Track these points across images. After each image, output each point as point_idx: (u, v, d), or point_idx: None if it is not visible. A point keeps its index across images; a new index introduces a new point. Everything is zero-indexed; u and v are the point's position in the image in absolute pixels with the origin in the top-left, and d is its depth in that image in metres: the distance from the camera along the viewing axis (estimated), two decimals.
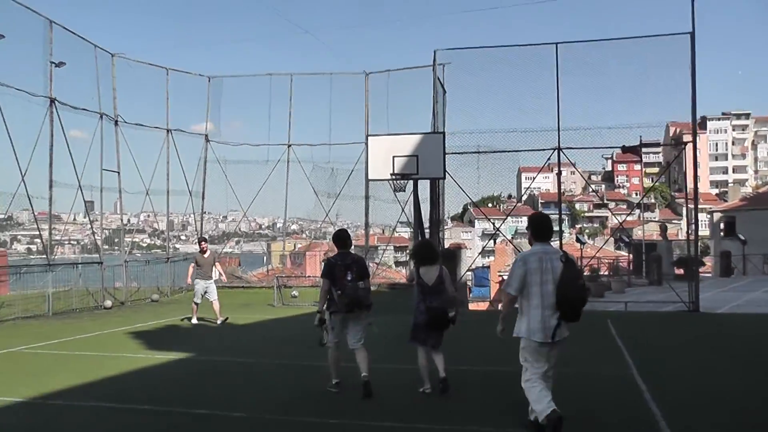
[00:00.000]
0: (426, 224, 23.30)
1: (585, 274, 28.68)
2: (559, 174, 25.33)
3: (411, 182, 21.98)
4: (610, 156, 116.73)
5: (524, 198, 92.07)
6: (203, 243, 19.92)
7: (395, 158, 20.90)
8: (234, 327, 18.42)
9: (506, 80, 24.04)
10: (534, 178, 32.51)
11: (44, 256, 22.64)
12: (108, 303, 23.98)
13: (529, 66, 23.73)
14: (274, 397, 9.74)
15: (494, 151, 24.17)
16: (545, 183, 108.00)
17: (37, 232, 23.01)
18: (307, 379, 10.91)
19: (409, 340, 9.74)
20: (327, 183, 30.05)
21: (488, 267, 52.55)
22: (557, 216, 25.20)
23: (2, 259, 26.22)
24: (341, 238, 10.04)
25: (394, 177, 21.26)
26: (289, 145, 30.05)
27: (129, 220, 30.71)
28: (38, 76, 22.55)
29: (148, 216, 32.06)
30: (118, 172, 26.49)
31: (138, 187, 28.02)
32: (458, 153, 23.64)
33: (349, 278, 9.47)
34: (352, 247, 10.54)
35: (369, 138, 22.36)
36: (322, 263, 10.82)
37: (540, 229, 7.36)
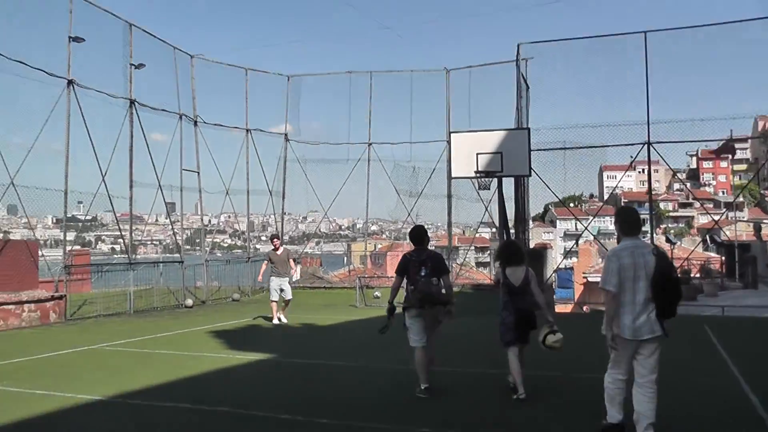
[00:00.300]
0: (510, 224, 22.64)
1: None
2: (649, 170, 24.37)
3: (495, 180, 21.42)
4: (695, 153, 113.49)
5: (606, 197, 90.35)
6: (275, 240, 19.58)
7: (479, 155, 20.45)
8: (316, 328, 18.10)
9: (592, 73, 23.54)
10: (621, 176, 31.44)
11: (126, 256, 22.72)
12: (189, 302, 24.00)
13: (616, 57, 23.00)
14: (359, 403, 9.29)
15: (581, 147, 23.48)
16: (627, 181, 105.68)
17: (122, 232, 23.08)
18: (394, 384, 10.45)
19: (500, 343, 9.46)
20: (408, 182, 29.53)
21: (572, 268, 51.53)
22: (646, 215, 24.24)
23: (85, 258, 26.44)
24: (417, 234, 9.87)
25: (478, 175, 20.72)
26: (370, 144, 29.57)
27: (210, 221, 30.77)
28: (118, 78, 22.77)
29: (229, 217, 32.09)
30: (198, 172, 26.54)
31: (218, 187, 28.05)
32: (543, 149, 22.95)
33: (422, 274, 9.31)
34: (431, 244, 10.27)
35: (452, 135, 21.84)
36: None
37: (629, 222, 7.09)
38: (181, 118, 25.37)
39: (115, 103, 22.31)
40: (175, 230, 26.16)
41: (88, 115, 20.68)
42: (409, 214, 29.37)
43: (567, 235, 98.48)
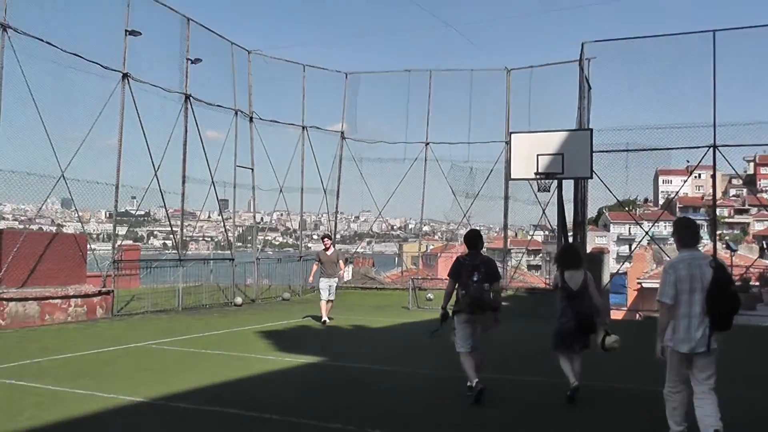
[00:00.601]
0: (568, 227, 21.95)
1: (736, 283, 26.55)
2: (714, 175, 23.42)
3: (554, 182, 20.75)
4: (752, 158, 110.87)
5: (662, 202, 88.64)
6: (326, 240, 19.22)
7: (539, 156, 19.81)
8: (367, 330, 17.60)
9: (656, 73, 22.62)
10: (684, 182, 30.31)
11: (184, 252, 22.52)
12: (238, 300, 23.65)
13: (680, 57, 22.14)
14: (413, 412, 8.80)
15: (643, 149, 22.57)
16: (683, 186, 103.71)
17: (175, 228, 22.85)
18: (448, 392, 9.92)
19: (552, 347, 9.44)
20: (465, 183, 28.92)
21: (625, 273, 50.39)
22: (703, 221, 23.30)
23: (135, 253, 26.30)
24: (472, 238, 9.74)
25: (538, 176, 20.08)
26: (427, 144, 28.99)
27: (262, 218, 30.44)
28: (174, 72, 22.55)
29: (281, 215, 31.74)
30: (252, 169, 26.20)
31: (271, 184, 27.71)
32: (605, 151, 22.10)
33: (475, 279, 9.19)
34: (484, 248, 10.28)
35: (512, 135, 21.16)
36: None
37: (687, 234, 6.98)
38: (236, 113, 25.03)
39: (170, 98, 22.08)
40: (227, 227, 25.88)
41: (142, 110, 20.48)
42: (465, 215, 28.74)
43: (620, 240, 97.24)
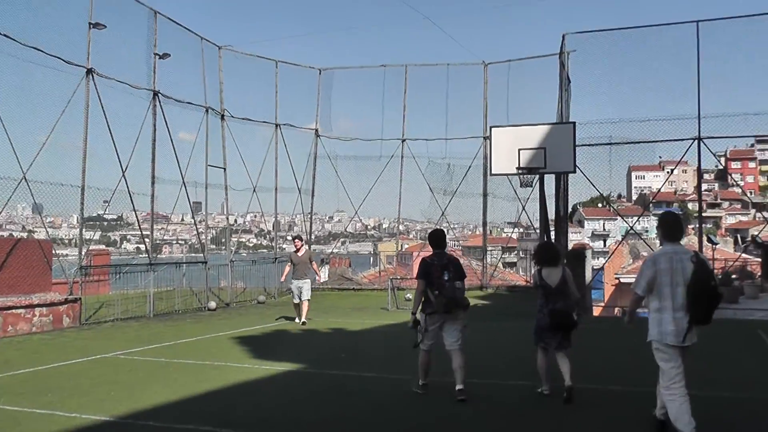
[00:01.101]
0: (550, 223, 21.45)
1: (717, 277, 26.15)
2: (699, 167, 22.95)
3: (536, 177, 20.25)
4: (723, 153, 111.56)
5: (635, 197, 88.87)
6: (297, 241, 18.93)
7: (521, 151, 19.43)
8: (347, 334, 16.85)
9: (638, 65, 22.11)
10: (669, 173, 29.96)
11: (155, 255, 21.72)
12: (212, 304, 22.86)
13: (665, 48, 21.65)
14: (399, 423, 8.22)
15: (628, 143, 22.12)
16: (655, 182, 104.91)
17: (147, 232, 22.03)
18: (437, 399, 9.25)
19: (534, 342, 9.41)
20: (443, 180, 28.32)
21: (602, 269, 50.00)
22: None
23: (105, 258, 25.44)
24: (438, 237, 9.85)
25: (519, 171, 19.53)
26: (404, 140, 28.46)
27: (236, 220, 29.64)
28: (142, 68, 21.65)
29: (255, 216, 31.03)
30: (225, 169, 25.39)
31: (244, 184, 26.89)
32: (589, 145, 21.55)
33: (446, 278, 9.21)
34: (447, 247, 10.23)
35: (492, 129, 20.58)
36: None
37: (671, 228, 7.09)
38: (207, 111, 24.24)
39: (137, 95, 21.21)
40: (200, 229, 25.06)
41: (108, 107, 19.63)
42: (443, 213, 28.16)
43: (595, 235, 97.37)
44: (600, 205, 79.77)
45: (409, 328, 9.59)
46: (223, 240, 26.83)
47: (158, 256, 22.34)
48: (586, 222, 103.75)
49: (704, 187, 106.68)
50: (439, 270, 9.26)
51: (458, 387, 9.08)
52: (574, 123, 19.95)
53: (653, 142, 21.96)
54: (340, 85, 30.10)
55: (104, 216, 25.45)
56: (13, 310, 16.59)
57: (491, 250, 34.20)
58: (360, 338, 16.20)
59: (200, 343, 15.20)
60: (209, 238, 26.22)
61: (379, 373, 11.39)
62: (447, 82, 28.15)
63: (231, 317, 20.64)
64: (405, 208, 29.24)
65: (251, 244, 47.67)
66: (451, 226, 29.82)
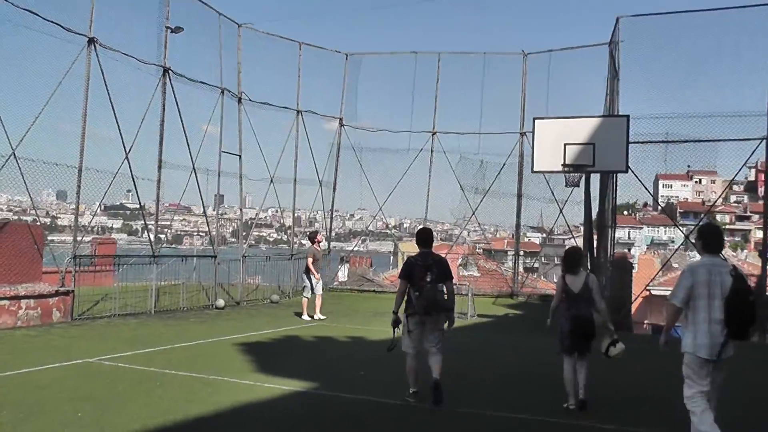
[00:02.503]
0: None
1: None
2: (767, 169, 20.89)
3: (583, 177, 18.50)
4: (754, 165, 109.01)
5: (661, 207, 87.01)
6: (320, 235, 19.19)
7: (567, 146, 17.64)
8: (367, 344, 14.95)
9: (699, 54, 20.01)
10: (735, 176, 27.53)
11: (175, 246, 20.03)
12: (221, 302, 21.07)
13: (731, 34, 19.57)
14: None
15: (686, 141, 19.92)
16: (682, 191, 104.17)
17: (167, 222, 20.46)
18: None
19: (558, 351, 9.29)
20: (474, 177, 26.42)
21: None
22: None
23: (110, 247, 23.73)
24: (426, 235, 9.68)
25: (565, 169, 17.69)
26: (434, 133, 26.56)
27: (257, 214, 27.79)
28: (151, 42, 19.78)
29: (276, 211, 29.34)
30: (240, 156, 23.54)
31: (261, 173, 24.97)
32: (642, 142, 19.41)
33: (428, 279, 9.05)
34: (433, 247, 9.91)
35: (535, 121, 18.77)
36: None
37: (711, 240, 6.96)
38: (222, 93, 22.35)
39: (145, 70, 19.29)
40: (209, 220, 23.24)
41: (112, 83, 17.77)
42: (473, 213, 26.27)
43: (619, 244, 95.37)
44: (626, 213, 77.85)
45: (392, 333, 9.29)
46: (244, 233, 24.85)
47: (178, 247, 20.77)
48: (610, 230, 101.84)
49: (733, 198, 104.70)
50: (422, 270, 9.09)
51: (434, 375, 9.04)
52: (627, 116, 17.93)
53: (715, 141, 19.71)
54: (368, 71, 28.17)
55: (126, 204, 24.08)
56: None
57: (511, 255, 32.76)
58: (382, 351, 13.73)
59: (199, 348, 13.40)
60: (230, 231, 24.39)
61: (403, 399, 9.44)
62: (483, 73, 26.21)
63: (239, 318, 18.89)
64: (432, 206, 27.28)
65: (271, 239, 46.57)
66: (481, 227, 27.85)
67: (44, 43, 16.13)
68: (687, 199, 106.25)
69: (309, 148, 26.36)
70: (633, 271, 19.93)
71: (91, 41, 17.08)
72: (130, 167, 18.51)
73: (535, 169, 18.87)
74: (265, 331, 16.09)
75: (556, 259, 29.10)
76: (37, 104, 15.78)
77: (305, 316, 18.40)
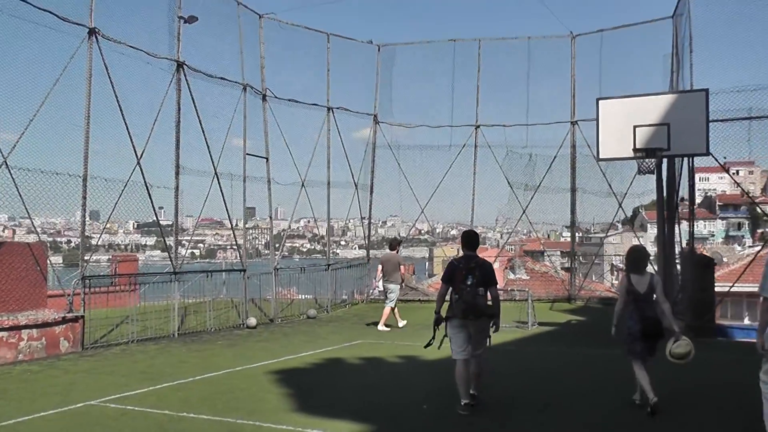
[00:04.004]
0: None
1: None
2: None
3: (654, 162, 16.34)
4: None
5: (698, 200, 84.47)
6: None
7: (637, 128, 15.67)
8: (423, 366, 12.69)
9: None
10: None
11: (209, 261, 18.16)
12: (252, 321, 18.94)
13: None
14: None
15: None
16: (720, 184, 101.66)
17: (201, 237, 18.76)
18: None
19: (625, 354, 9.01)
20: (524, 173, 24.29)
21: None
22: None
23: (132, 265, 21.79)
24: (472, 238, 9.48)
25: (637, 155, 15.64)
26: (477, 127, 24.53)
27: (289, 225, 25.73)
28: (162, 34, 17.60)
29: (308, 221, 27.57)
30: (267, 159, 21.41)
31: (289, 177, 22.82)
32: (722, 120, 16.82)
33: (468, 282, 8.86)
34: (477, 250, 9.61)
35: (599, 102, 16.64)
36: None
37: None
38: (245, 89, 20.21)
39: (156, 65, 17.15)
40: (238, 233, 21.12)
41: (117, 79, 15.71)
42: (524, 212, 24.12)
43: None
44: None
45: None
46: (277, 245, 22.72)
47: (212, 261, 19.34)
48: (648, 226, 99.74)
49: None
50: (463, 273, 8.92)
51: (471, 392, 9.01)
52: (706, 89, 15.60)
53: None
54: (402, 63, 26.07)
55: (160, 221, 22.45)
56: None
57: (549, 255, 31.99)
58: (443, 375, 10.65)
59: (226, 381, 11.25)
60: (263, 243, 23.30)
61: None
62: (528, 59, 24.25)
63: (273, 338, 16.82)
64: (478, 206, 25.07)
65: (305, 249, 45.57)
66: (534, 228, 25.59)
67: (35, 36, 14.11)
68: (725, 191, 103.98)
69: (342, 149, 24.28)
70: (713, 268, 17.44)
71: (92, 32, 15.01)
72: (143, 174, 16.43)
73: (601, 157, 16.65)
74: (303, 353, 13.94)
75: (595, 258, 26.85)
76: (32, 107, 13.79)
77: (400, 323, 18.59)
